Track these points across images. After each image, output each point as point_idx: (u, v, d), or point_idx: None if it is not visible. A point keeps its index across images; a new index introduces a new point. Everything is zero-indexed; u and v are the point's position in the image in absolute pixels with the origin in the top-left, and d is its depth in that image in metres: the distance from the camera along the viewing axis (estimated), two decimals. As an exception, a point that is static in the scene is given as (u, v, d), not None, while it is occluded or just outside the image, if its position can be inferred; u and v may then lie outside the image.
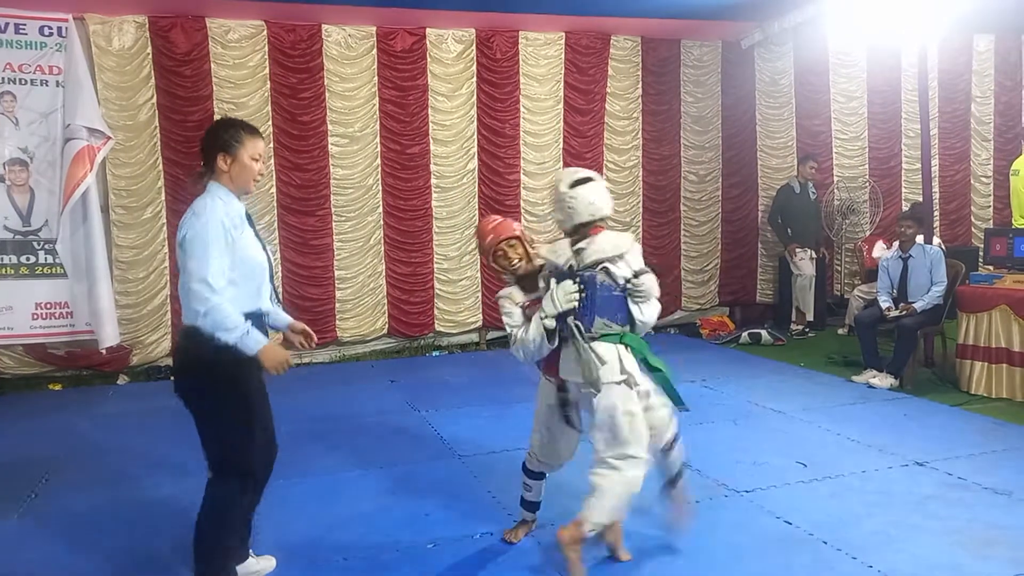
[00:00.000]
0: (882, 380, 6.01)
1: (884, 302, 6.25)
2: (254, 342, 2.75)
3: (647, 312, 3.04)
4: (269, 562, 3.30)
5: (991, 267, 6.50)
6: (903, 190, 9.27)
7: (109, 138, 6.42)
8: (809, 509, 3.74)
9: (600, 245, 2.99)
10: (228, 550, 3.00)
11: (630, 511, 3.14)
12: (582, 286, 2.95)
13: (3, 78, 6.30)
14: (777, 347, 7.77)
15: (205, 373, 2.81)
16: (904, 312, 6.07)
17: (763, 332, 7.97)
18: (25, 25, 6.32)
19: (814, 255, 8.30)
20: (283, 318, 3.17)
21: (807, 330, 8.27)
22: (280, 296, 3.10)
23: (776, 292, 8.87)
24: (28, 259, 6.46)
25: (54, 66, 6.40)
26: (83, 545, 3.58)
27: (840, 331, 8.11)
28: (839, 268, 8.98)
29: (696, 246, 8.76)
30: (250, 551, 3.25)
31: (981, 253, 8.00)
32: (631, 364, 3.02)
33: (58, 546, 3.58)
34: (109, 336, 6.36)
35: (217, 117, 6.91)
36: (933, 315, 6.13)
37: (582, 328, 2.94)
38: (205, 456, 2.92)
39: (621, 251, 2.99)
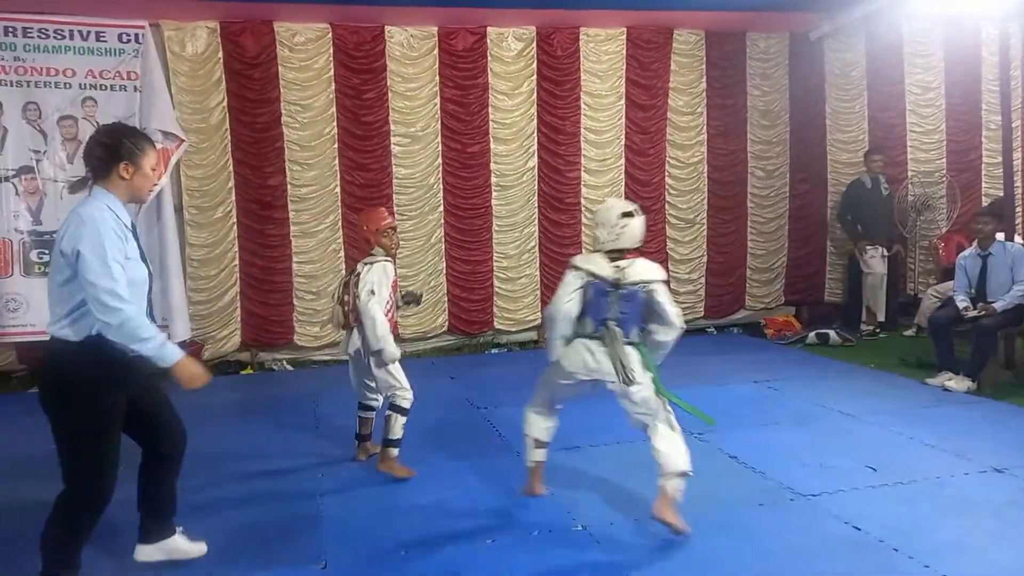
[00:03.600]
0: (959, 383, 5.76)
1: (962, 302, 5.99)
2: (171, 353, 2.77)
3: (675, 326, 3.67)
4: (200, 547, 3.34)
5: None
6: (983, 185, 8.85)
7: (183, 141, 6.67)
8: (879, 515, 3.62)
9: (643, 268, 3.56)
10: (70, 554, 2.93)
11: (692, 514, 3.07)
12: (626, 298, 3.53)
13: (85, 84, 6.60)
14: (846, 348, 7.53)
15: (66, 388, 2.76)
16: (983, 312, 5.81)
17: (831, 332, 7.74)
18: (105, 33, 6.61)
19: (885, 253, 8.01)
20: None
21: (878, 331, 7.99)
22: (154, 314, 3.10)
23: (845, 291, 8.59)
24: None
25: (132, 72, 6.67)
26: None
27: (907, 332, 7.78)
28: (912, 267, 8.64)
29: (762, 244, 8.57)
30: (177, 529, 3.31)
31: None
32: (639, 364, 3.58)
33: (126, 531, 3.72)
34: (180, 331, 6.59)
35: (284, 118, 7.12)
36: (1014, 315, 5.85)
37: (620, 333, 3.53)
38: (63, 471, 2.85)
39: (660, 278, 3.57)
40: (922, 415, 5.19)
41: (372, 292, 4.17)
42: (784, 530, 3.50)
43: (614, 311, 3.51)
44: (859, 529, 3.48)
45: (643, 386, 3.51)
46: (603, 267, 3.54)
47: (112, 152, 2.84)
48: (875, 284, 7.97)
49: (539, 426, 3.92)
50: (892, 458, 4.36)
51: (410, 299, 4.79)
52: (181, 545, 3.30)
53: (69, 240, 2.69)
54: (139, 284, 2.85)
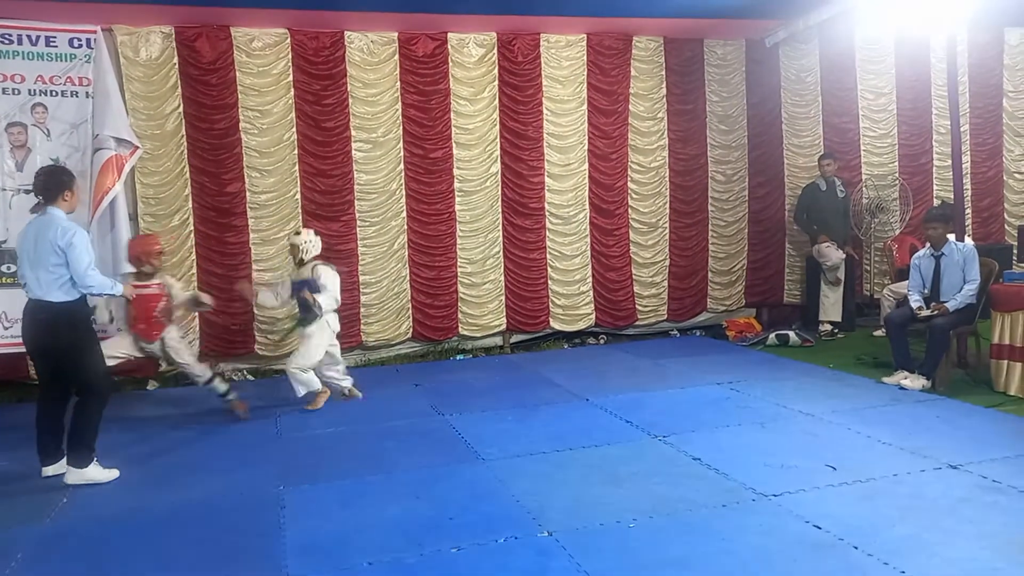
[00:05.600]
0: (914, 381, 5.89)
1: (915, 301, 6.12)
2: (121, 288, 4.67)
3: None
4: (113, 473, 4.52)
5: (1026, 265, 6.35)
6: (934, 187, 9.10)
7: (137, 147, 6.52)
8: (839, 513, 3.67)
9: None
10: (96, 434, 4.52)
11: (656, 516, 3.07)
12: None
13: (35, 90, 6.42)
14: (805, 349, 7.66)
15: (69, 327, 4.37)
16: (936, 311, 5.95)
17: (791, 333, 7.86)
18: (55, 37, 6.44)
19: (842, 255, 8.16)
20: None
21: (836, 331, 8.14)
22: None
23: (804, 293, 8.75)
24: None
25: (83, 77, 6.51)
26: (115, 548, 3.63)
27: (876, 332, 7.90)
28: (868, 268, 8.83)
29: (723, 247, 8.68)
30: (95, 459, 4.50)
31: (1015, 250, 7.83)
32: None
33: (85, 551, 3.63)
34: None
35: (242, 124, 7.02)
36: (966, 314, 5.99)
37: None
38: (80, 381, 4.43)
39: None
40: (879, 414, 5.30)
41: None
42: (746, 530, 3.54)
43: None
44: (819, 528, 3.52)
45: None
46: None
47: (57, 184, 4.48)
48: (835, 273, 8.07)
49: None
50: (851, 457, 4.43)
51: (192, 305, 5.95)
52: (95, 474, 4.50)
53: (64, 237, 4.30)
54: None
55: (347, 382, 6.16)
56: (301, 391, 5.79)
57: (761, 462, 4.39)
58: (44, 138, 6.50)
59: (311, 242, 5.96)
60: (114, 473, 4.50)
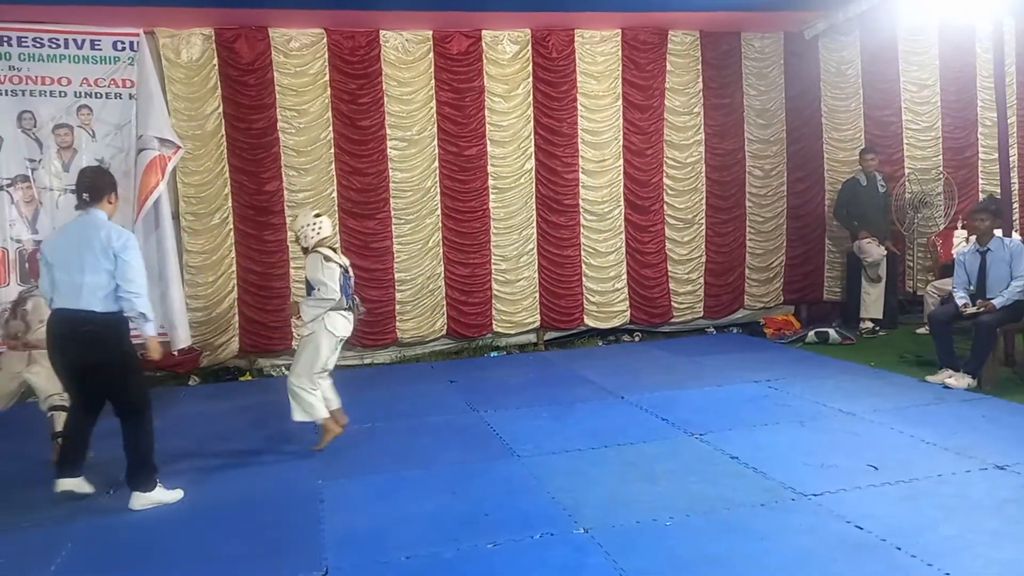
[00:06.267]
0: (959, 380, 5.75)
1: (960, 298, 5.98)
2: (154, 329, 4.22)
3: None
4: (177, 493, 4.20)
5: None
6: (980, 181, 8.85)
7: (179, 147, 6.65)
8: (881, 514, 3.61)
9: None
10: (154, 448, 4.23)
11: (693, 515, 3.05)
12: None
13: (80, 92, 6.60)
14: (846, 346, 7.52)
15: (117, 340, 4.03)
16: (982, 309, 5.80)
17: (831, 331, 7.73)
18: (100, 41, 6.60)
19: (883, 251, 8.00)
20: None
21: (877, 329, 7.98)
22: None
23: (844, 289, 8.59)
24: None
25: (127, 79, 6.67)
26: (159, 540, 3.72)
27: (919, 330, 7.68)
28: (911, 264, 8.64)
29: (761, 243, 8.57)
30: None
31: (1066, 246, 7.60)
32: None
33: (130, 541, 3.72)
34: (181, 338, 6.57)
35: (280, 124, 7.11)
36: (1013, 311, 5.84)
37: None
38: (127, 402, 4.09)
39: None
40: (923, 413, 5.19)
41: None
42: (786, 530, 3.49)
43: (350, 287, 4.84)
44: (861, 528, 3.47)
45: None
46: (342, 257, 4.83)
47: (105, 185, 4.21)
48: (876, 263, 7.93)
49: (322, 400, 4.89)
50: (893, 457, 4.35)
51: None
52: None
53: (119, 240, 4.03)
54: None
55: (332, 404, 5.00)
56: (299, 416, 4.81)
57: (801, 461, 4.33)
58: (89, 139, 6.66)
59: (311, 225, 4.82)
60: (179, 494, 4.17)
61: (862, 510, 3.65)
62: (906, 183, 8.48)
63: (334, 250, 4.98)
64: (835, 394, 5.70)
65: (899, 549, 3.26)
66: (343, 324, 4.84)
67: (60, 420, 4.57)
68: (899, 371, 6.38)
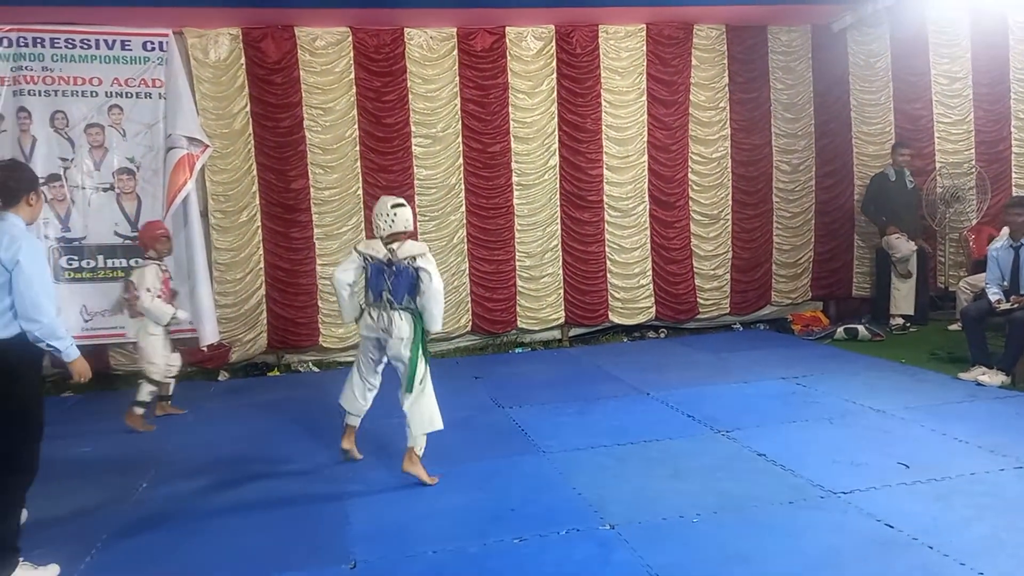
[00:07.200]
0: (992, 377, 5.66)
1: (994, 294, 5.88)
2: (75, 351, 3.36)
3: (434, 283, 4.24)
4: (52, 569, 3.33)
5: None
6: (1013, 175, 8.68)
7: (207, 146, 6.73)
8: (912, 512, 3.56)
9: (409, 247, 4.25)
10: (17, 524, 3.33)
11: (721, 512, 3.05)
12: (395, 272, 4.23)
13: (111, 92, 6.69)
14: (875, 343, 7.42)
15: (8, 376, 3.19)
16: (1016, 305, 5.69)
17: (860, 327, 7.63)
18: (130, 41, 6.69)
19: (913, 246, 7.88)
20: None
21: (908, 325, 7.86)
22: None
23: (874, 286, 8.47)
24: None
25: (156, 79, 6.76)
26: (190, 533, 3.77)
27: (951, 327, 7.56)
28: (943, 259, 8.49)
29: (788, 239, 8.48)
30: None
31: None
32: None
33: (162, 533, 3.78)
34: (209, 334, 6.65)
35: (306, 122, 7.17)
36: (1049, 308, 5.72)
37: (393, 300, 4.24)
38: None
39: (422, 252, 4.25)
40: (955, 411, 5.10)
41: (149, 290, 5.48)
42: (815, 529, 3.46)
43: (387, 284, 4.25)
44: (892, 527, 3.42)
45: (402, 341, 4.21)
46: (379, 249, 4.29)
47: (20, 184, 3.32)
48: (906, 258, 7.80)
49: (353, 401, 4.55)
50: (924, 455, 4.29)
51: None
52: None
53: (8, 251, 3.15)
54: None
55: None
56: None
57: (830, 459, 4.28)
58: (120, 138, 6.77)
59: (383, 215, 4.32)
60: (54, 569, 3.30)
61: (893, 508, 3.61)
62: (937, 177, 8.34)
63: (396, 240, 4.29)
64: (865, 391, 5.62)
65: (931, 548, 3.22)
66: (363, 323, 4.40)
67: (144, 390, 5.46)
68: (930, 368, 6.28)
